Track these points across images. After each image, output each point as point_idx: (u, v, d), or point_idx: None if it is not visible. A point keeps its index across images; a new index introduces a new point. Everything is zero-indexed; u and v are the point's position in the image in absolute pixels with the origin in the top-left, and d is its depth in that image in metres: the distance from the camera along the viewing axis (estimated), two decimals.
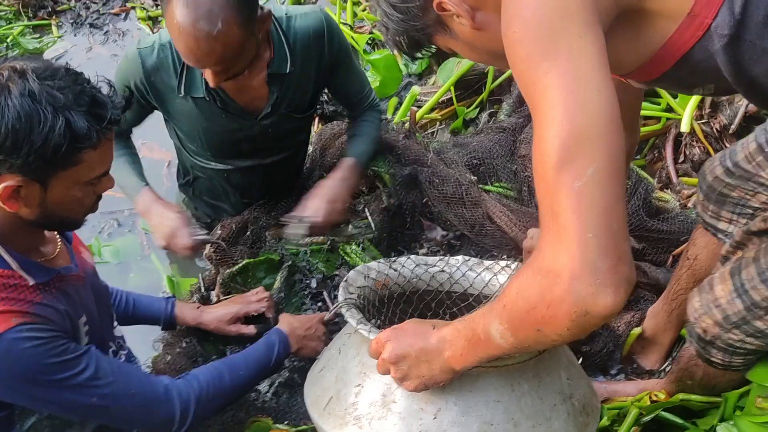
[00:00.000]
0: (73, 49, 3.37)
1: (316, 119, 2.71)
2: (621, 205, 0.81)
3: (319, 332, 1.67)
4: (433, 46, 1.14)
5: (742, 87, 0.95)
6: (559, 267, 0.80)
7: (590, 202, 0.78)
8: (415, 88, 2.57)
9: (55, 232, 1.38)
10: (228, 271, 1.88)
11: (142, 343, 1.83)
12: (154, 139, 2.66)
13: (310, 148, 2.35)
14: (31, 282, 1.22)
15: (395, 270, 1.44)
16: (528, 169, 2.17)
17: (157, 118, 1.96)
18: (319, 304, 1.97)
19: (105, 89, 1.23)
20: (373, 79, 2.71)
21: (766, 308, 1.12)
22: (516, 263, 1.46)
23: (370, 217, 2.14)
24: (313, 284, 2.02)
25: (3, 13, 3.44)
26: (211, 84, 1.61)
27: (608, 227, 0.78)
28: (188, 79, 1.79)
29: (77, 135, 1.15)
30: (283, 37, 1.81)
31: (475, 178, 2.15)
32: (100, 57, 3.32)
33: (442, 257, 1.50)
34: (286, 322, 1.64)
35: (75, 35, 3.43)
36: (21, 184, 1.16)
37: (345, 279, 1.32)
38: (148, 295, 1.81)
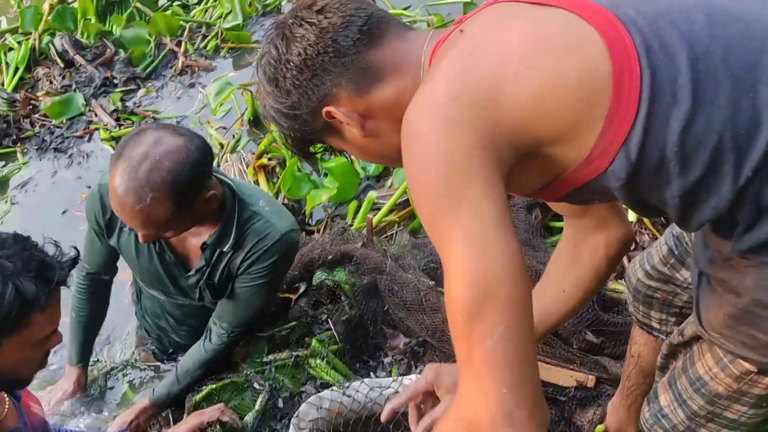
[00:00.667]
0: (38, 174, 3.42)
1: None
2: (532, 353, 0.85)
3: None
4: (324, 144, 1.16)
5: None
6: (479, 418, 0.83)
7: (502, 359, 0.82)
8: (372, 193, 2.64)
9: (2, 392, 1.39)
10: (194, 398, 1.88)
11: None
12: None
13: None
14: None
15: (349, 396, 1.46)
16: None
17: None
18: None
19: (51, 250, 1.27)
20: (331, 186, 2.78)
21: (705, 416, 1.15)
22: None
23: (333, 329, 2.16)
24: (280, 404, 2.01)
25: None
26: (140, 239, 1.68)
27: (521, 379, 0.82)
28: None
29: (26, 299, 1.20)
30: (235, 221, 1.81)
31: (434, 282, 2.19)
32: (65, 181, 3.37)
33: (396, 378, 1.52)
34: None
35: (40, 160, 3.48)
36: None
37: (296, 415, 1.33)
38: None
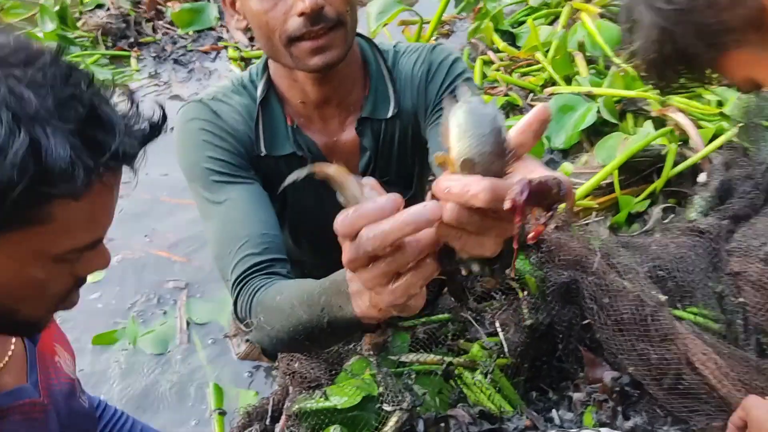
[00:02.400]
0: (150, 84, 2.93)
1: None
2: None
3: None
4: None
5: None
6: None
7: None
8: (567, 165, 1.97)
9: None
10: (302, 404, 1.26)
11: None
12: None
13: None
14: None
15: None
16: (742, 293, 1.50)
17: None
18: None
19: (122, 106, 0.69)
20: None
21: None
22: None
23: (502, 335, 1.51)
24: (420, 428, 1.37)
25: (80, 39, 3.07)
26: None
27: None
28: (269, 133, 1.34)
29: (49, 169, 0.61)
30: (385, 71, 1.33)
31: (666, 297, 1.49)
32: (178, 97, 2.86)
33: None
34: None
35: (156, 71, 3.01)
36: None
37: None
38: None
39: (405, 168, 1.43)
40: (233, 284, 1.15)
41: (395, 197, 0.62)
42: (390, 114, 1.33)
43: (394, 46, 1.40)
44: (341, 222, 0.62)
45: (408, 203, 1.33)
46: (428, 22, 2.84)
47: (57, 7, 3.13)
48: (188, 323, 1.88)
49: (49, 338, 0.94)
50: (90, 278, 1.88)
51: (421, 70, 1.35)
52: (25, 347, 0.88)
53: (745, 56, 0.70)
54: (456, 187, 0.60)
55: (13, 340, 0.85)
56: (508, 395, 1.44)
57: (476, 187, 0.59)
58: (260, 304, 1.09)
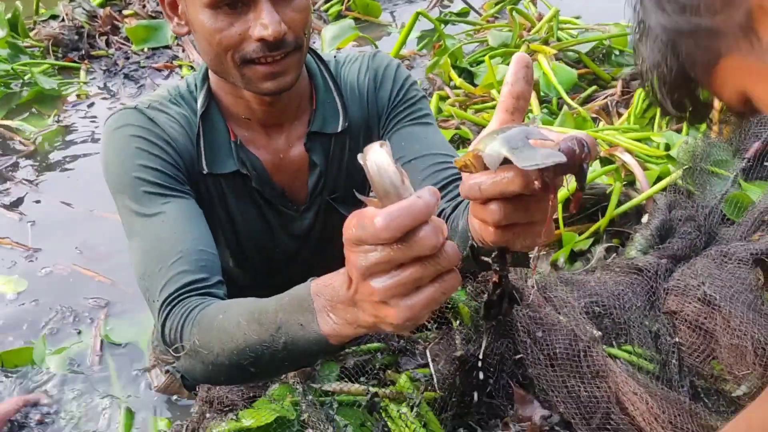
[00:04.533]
0: (97, 97, 2.85)
1: None
2: None
3: None
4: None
5: None
6: None
7: None
8: None
9: None
10: (216, 429, 1.18)
11: None
12: None
13: None
14: None
15: None
16: (678, 333, 1.46)
17: None
18: None
19: None
20: None
21: None
22: None
23: (432, 366, 1.44)
24: None
25: (30, 49, 2.99)
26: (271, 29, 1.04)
27: None
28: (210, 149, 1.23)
29: None
30: (331, 83, 1.27)
31: (600, 333, 1.45)
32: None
33: None
34: None
35: (104, 84, 2.94)
36: None
37: None
38: None
39: (356, 183, 1.37)
40: (162, 304, 1.01)
41: (434, 190, 0.57)
42: (340, 128, 1.27)
43: (334, 56, 1.35)
44: (384, 224, 0.54)
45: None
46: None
47: (9, 15, 3.05)
48: (102, 344, 1.77)
49: None
50: (12, 288, 1.76)
51: (368, 78, 1.30)
52: None
53: (736, 64, 0.67)
54: (487, 182, 0.59)
55: None
56: (434, 430, 1.37)
57: (507, 174, 0.58)
58: (197, 324, 0.96)
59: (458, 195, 1.16)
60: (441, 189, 1.18)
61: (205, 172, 1.20)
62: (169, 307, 1.00)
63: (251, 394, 1.38)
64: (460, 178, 1.19)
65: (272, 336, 0.81)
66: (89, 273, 2.03)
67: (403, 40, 2.83)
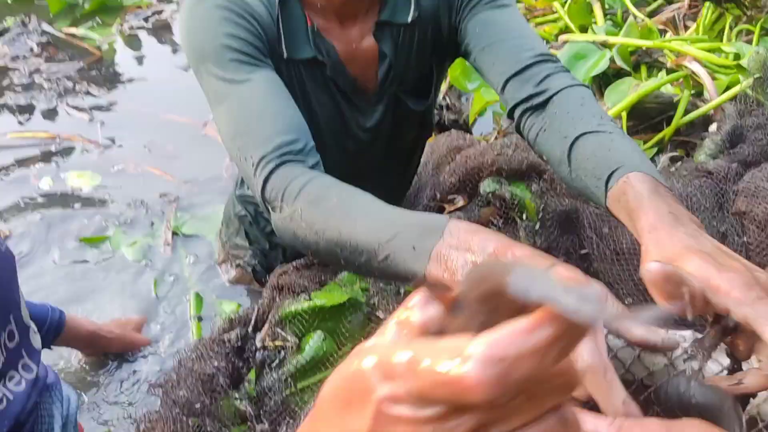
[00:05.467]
0: (158, 5, 2.89)
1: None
2: None
3: None
4: None
5: None
6: None
7: None
8: None
9: None
10: (289, 308, 1.22)
11: None
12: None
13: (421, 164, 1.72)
14: None
15: None
16: (747, 233, 1.46)
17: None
18: None
19: None
20: None
21: None
22: None
23: None
24: None
25: None
26: None
27: None
28: (289, 33, 1.20)
29: None
30: None
31: None
32: None
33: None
34: None
35: None
36: None
37: None
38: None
39: (423, 76, 1.36)
40: (260, 161, 0.96)
41: None
42: (410, 18, 1.24)
43: None
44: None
45: (424, 114, 1.23)
46: None
47: None
48: (174, 235, 1.85)
49: None
50: (89, 182, 1.83)
51: None
52: None
53: None
54: None
55: None
56: None
57: None
58: (305, 194, 0.92)
59: (540, 78, 1.14)
60: (522, 71, 1.16)
61: (285, 57, 1.22)
62: (271, 165, 0.97)
63: (322, 278, 1.43)
64: (542, 61, 1.17)
65: (378, 248, 0.79)
66: (158, 172, 2.09)
67: None
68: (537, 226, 1.49)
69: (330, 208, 0.90)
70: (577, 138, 1.02)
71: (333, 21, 1.26)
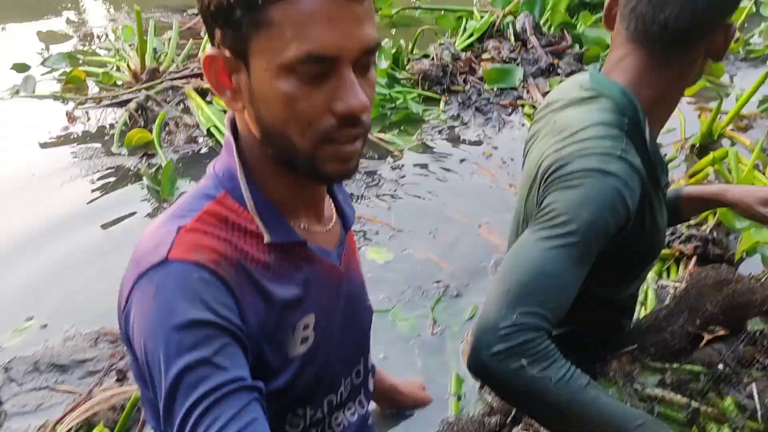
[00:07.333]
0: (450, 122, 3.34)
1: None
2: None
3: None
4: None
5: None
6: None
7: None
8: None
9: (333, 208, 1.01)
10: None
11: None
12: None
13: None
14: (266, 238, 0.85)
15: None
16: None
17: None
18: None
19: None
20: None
21: None
22: None
23: (757, 399, 1.46)
24: None
25: (403, 80, 3.59)
26: None
27: None
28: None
29: None
30: None
31: None
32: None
33: None
34: None
35: (458, 114, 3.42)
36: (220, 55, 0.80)
37: None
38: None
39: None
40: (512, 325, 1.00)
41: None
42: None
43: None
44: None
45: None
46: (725, 113, 2.91)
47: (394, 50, 3.72)
48: (434, 321, 2.12)
49: (353, 242, 1.10)
50: (383, 257, 2.11)
51: None
52: (341, 227, 1.02)
53: None
54: None
55: (335, 218, 1.01)
56: None
57: None
58: (559, 376, 1.00)
59: None
60: None
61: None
62: (516, 333, 1.00)
63: None
64: None
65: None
66: (436, 260, 2.39)
67: (746, 99, 2.84)
68: None
69: (579, 401, 1.02)
70: None
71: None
